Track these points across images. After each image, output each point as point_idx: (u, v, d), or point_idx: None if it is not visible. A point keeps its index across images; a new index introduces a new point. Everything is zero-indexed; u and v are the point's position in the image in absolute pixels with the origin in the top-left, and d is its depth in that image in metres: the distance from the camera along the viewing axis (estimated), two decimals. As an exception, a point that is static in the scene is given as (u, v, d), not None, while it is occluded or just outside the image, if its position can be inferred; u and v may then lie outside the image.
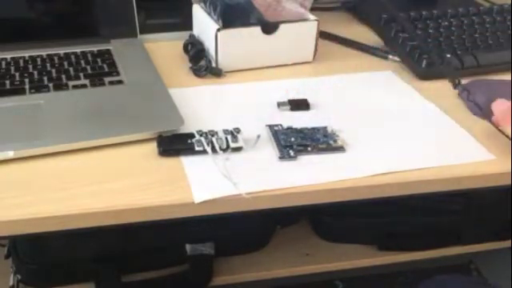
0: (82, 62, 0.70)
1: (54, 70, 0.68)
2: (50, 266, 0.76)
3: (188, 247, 0.80)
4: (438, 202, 0.89)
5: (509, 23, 0.82)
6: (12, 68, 0.68)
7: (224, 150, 0.55)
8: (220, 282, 0.82)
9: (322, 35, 0.82)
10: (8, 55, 0.70)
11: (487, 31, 0.80)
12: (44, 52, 0.71)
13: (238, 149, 0.55)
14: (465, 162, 0.56)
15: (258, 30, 0.71)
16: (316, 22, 0.74)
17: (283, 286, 0.94)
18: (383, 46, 0.81)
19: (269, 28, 0.71)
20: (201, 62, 0.73)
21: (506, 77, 0.74)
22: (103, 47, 0.74)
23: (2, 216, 0.47)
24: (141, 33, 0.78)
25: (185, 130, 0.57)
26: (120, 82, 0.66)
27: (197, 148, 0.54)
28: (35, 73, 0.67)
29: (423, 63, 0.73)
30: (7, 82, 0.65)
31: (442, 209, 0.90)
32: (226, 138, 0.55)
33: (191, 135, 0.55)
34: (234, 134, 0.55)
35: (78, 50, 0.73)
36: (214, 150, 0.54)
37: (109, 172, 0.53)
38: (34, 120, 0.58)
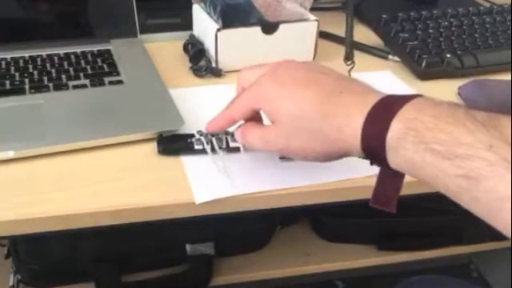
0: (82, 62, 0.70)
1: (54, 70, 0.67)
2: (50, 266, 0.76)
3: (188, 247, 0.80)
4: (438, 202, 0.89)
5: (509, 23, 0.82)
6: (12, 68, 0.68)
7: (224, 150, 0.55)
8: (220, 282, 0.82)
9: (322, 35, 0.82)
10: (8, 55, 0.70)
11: (487, 31, 0.80)
12: (44, 52, 0.71)
13: (238, 149, 0.55)
14: (465, 162, 0.56)
15: (258, 29, 0.71)
16: (316, 22, 0.74)
17: (283, 286, 0.94)
18: (383, 45, 0.81)
19: (269, 28, 0.71)
20: (201, 62, 0.73)
21: (506, 77, 0.74)
22: (103, 47, 0.74)
23: (2, 216, 0.47)
24: (141, 33, 0.78)
25: (185, 130, 0.57)
26: (120, 81, 0.66)
27: (196, 147, 0.54)
28: (35, 73, 0.67)
29: (423, 63, 0.73)
30: (7, 82, 0.65)
31: (442, 209, 0.90)
32: (226, 138, 0.55)
33: (191, 135, 0.55)
34: (234, 134, 0.55)
35: (78, 49, 0.73)
36: (213, 149, 0.54)
37: (109, 172, 0.53)
38: (34, 120, 0.58)
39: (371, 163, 0.43)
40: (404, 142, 0.37)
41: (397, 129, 0.38)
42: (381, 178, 0.44)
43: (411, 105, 0.39)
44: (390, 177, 0.42)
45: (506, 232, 0.34)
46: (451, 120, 0.36)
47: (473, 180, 0.34)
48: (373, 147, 0.40)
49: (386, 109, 0.39)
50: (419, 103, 0.39)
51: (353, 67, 0.66)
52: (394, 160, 0.39)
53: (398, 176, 0.42)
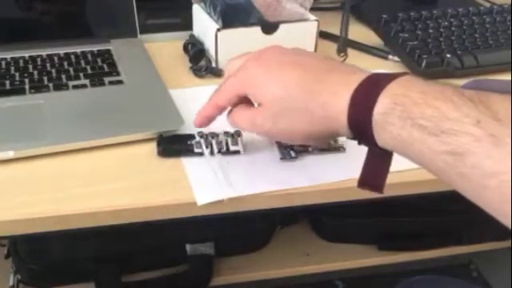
0: (82, 62, 0.70)
1: (54, 70, 0.67)
2: (50, 266, 0.76)
3: (188, 247, 0.80)
4: (438, 202, 0.89)
5: (509, 23, 0.82)
6: (12, 68, 0.68)
7: (223, 153, 0.55)
8: (220, 282, 0.82)
9: (322, 35, 0.82)
10: (8, 55, 0.70)
11: (487, 31, 0.80)
12: (44, 52, 0.71)
13: (238, 152, 0.55)
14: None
15: (258, 30, 0.71)
16: (316, 22, 0.74)
17: (283, 286, 0.94)
18: (383, 45, 0.81)
19: (269, 28, 0.71)
20: (201, 62, 0.73)
21: (506, 77, 0.74)
22: (103, 47, 0.74)
23: (2, 216, 0.47)
24: (141, 33, 0.78)
25: (185, 130, 0.57)
26: (120, 82, 0.66)
27: (196, 150, 0.54)
28: (35, 73, 0.67)
29: (423, 63, 0.73)
30: (7, 82, 0.65)
31: (442, 209, 0.90)
32: (226, 141, 0.55)
33: (191, 136, 0.55)
34: (234, 136, 0.55)
35: (78, 49, 0.73)
36: (212, 152, 0.54)
37: (109, 172, 0.53)
38: (34, 120, 0.58)
39: (359, 143, 0.42)
40: (391, 117, 0.37)
41: (384, 104, 0.37)
42: (368, 159, 0.43)
43: (399, 81, 0.38)
44: (378, 157, 0.42)
45: (491, 210, 0.33)
46: (440, 96, 0.35)
47: (459, 156, 0.33)
48: (360, 124, 0.39)
49: (374, 85, 0.39)
50: (407, 80, 0.38)
51: (345, 59, 0.66)
52: (382, 137, 0.38)
53: (386, 156, 0.41)
